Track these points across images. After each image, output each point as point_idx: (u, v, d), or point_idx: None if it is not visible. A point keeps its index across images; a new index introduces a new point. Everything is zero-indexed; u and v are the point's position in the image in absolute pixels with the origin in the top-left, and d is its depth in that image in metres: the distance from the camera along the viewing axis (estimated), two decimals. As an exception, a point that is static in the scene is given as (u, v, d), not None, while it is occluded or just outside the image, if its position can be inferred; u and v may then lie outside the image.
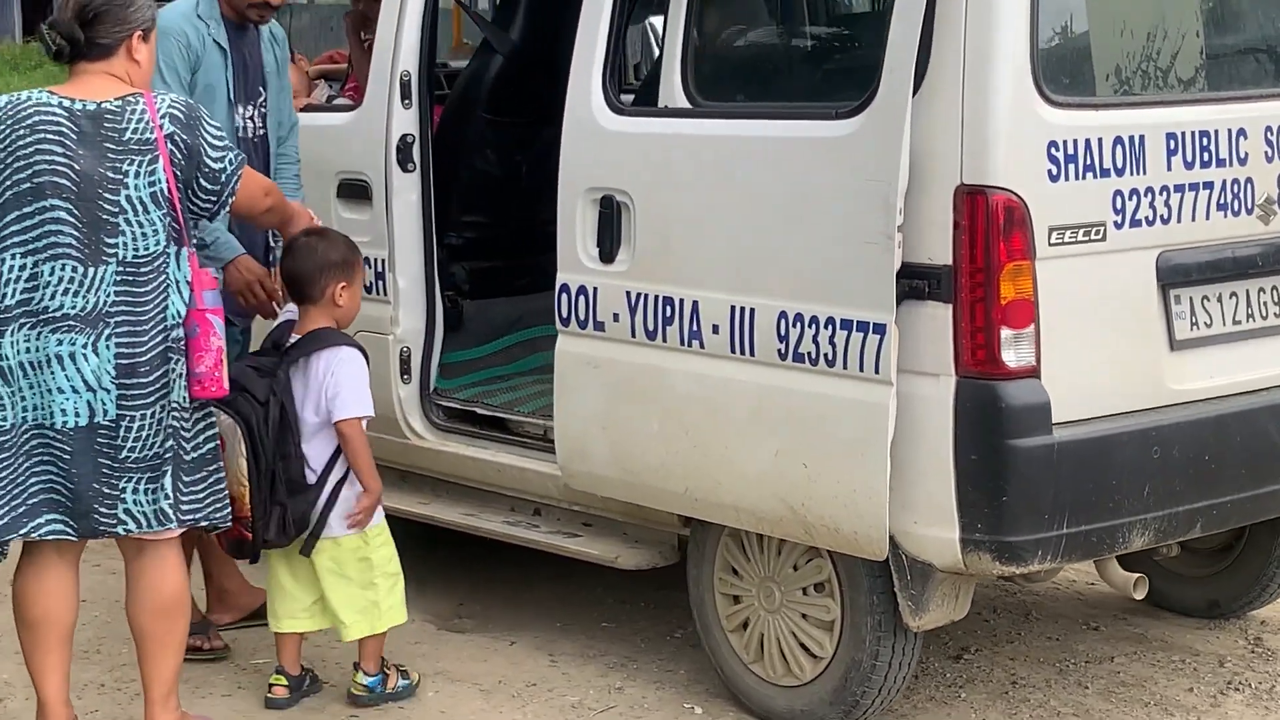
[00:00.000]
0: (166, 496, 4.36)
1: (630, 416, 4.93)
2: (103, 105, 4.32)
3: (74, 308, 4.27)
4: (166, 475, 4.36)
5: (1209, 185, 4.58)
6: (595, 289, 4.98)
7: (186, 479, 4.42)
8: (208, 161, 4.42)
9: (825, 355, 4.44)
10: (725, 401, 4.69)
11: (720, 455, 4.71)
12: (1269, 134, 4.68)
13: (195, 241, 4.54)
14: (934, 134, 4.28)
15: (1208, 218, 4.59)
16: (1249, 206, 4.66)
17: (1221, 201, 4.60)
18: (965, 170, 4.26)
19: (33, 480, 4.32)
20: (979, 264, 4.27)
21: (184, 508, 4.41)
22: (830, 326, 4.42)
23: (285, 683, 5.07)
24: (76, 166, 4.28)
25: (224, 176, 4.45)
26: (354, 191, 5.77)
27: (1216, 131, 4.58)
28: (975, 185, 4.25)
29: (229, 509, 4.55)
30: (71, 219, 4.28)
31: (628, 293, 4.89)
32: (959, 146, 4.26)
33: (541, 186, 5.83)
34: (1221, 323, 4.69)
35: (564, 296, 5.07)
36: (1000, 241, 4.25)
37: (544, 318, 6.56)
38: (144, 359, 4.31)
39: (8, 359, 4.27)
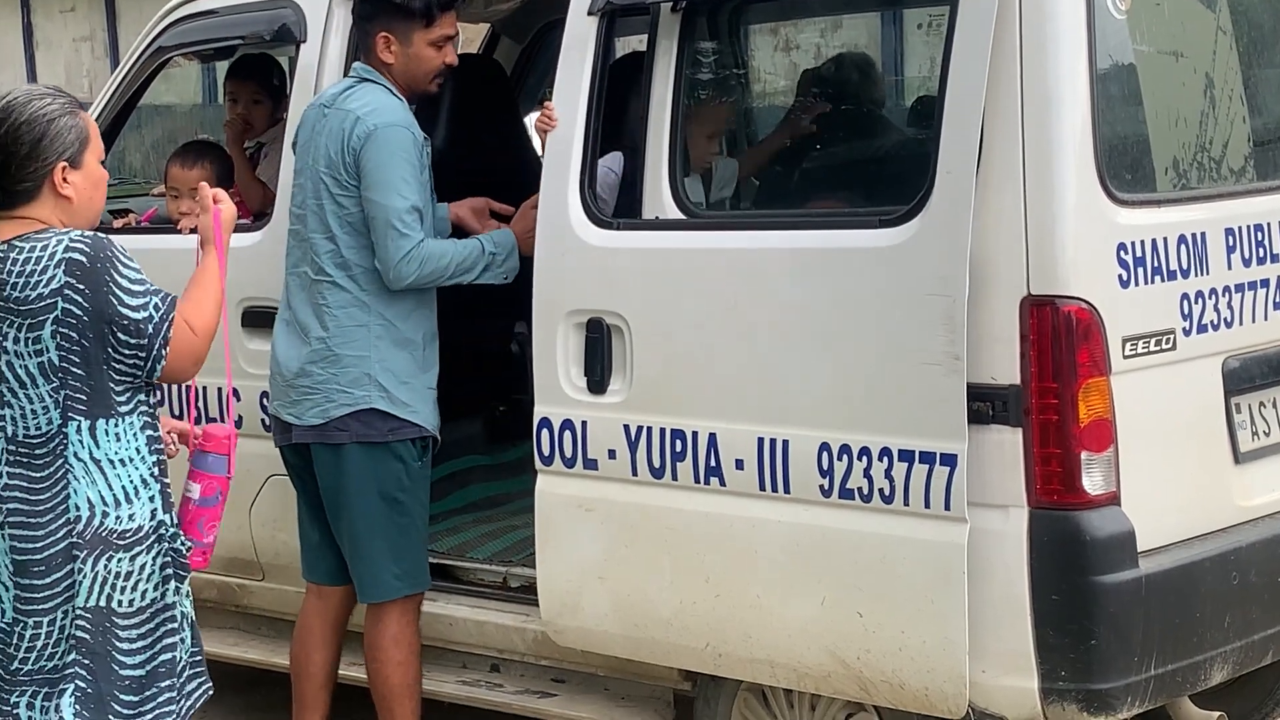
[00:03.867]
0: None
1: (635, 565, 4.40)
2: None
3: None
4: (65, 695, 3.61)
5: (1265, 283, 4.25)
6: (584, 423, 4.45)
7: (126, 699, 3.66)
8: (124, 313, 3.58)
9: (881, 490, 3.97)
10: (755, 545, 4.19)
11: (751, 605, 4.21)
12: (1314, 225, 4.37)
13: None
14: (991, 239, 3.86)
15: (1266, 318, 4.26)
16: (1301, 303, 4.34)
17: (1278, 300, 4.27)
18: (1032, 279, 3.84)
19: None
20: (1050, 382, 3.85)
21: None
22: (886, 458, 3.96)
23: None
24: None
25: (149, 329, 3.60)
26: (263, 320, 5.15)
27: (1269, 224, 4.26)
28: (1044, 295, 3.84)
29: None
30: None
31: (626, 426, 4.37)
32: (1023, 252, 3.85)
33: (469, 304, 5.29)
34: (1279, 430, 4.35)
35: (545, 432, 4.53)
36: (1074, 356, 3.84)
37: (467, 448, 6.07)
38: (39, 556, 3.62)
39: None
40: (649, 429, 4.34)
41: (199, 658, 3.84)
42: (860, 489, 4.01)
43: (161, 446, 3.78)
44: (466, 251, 4.68)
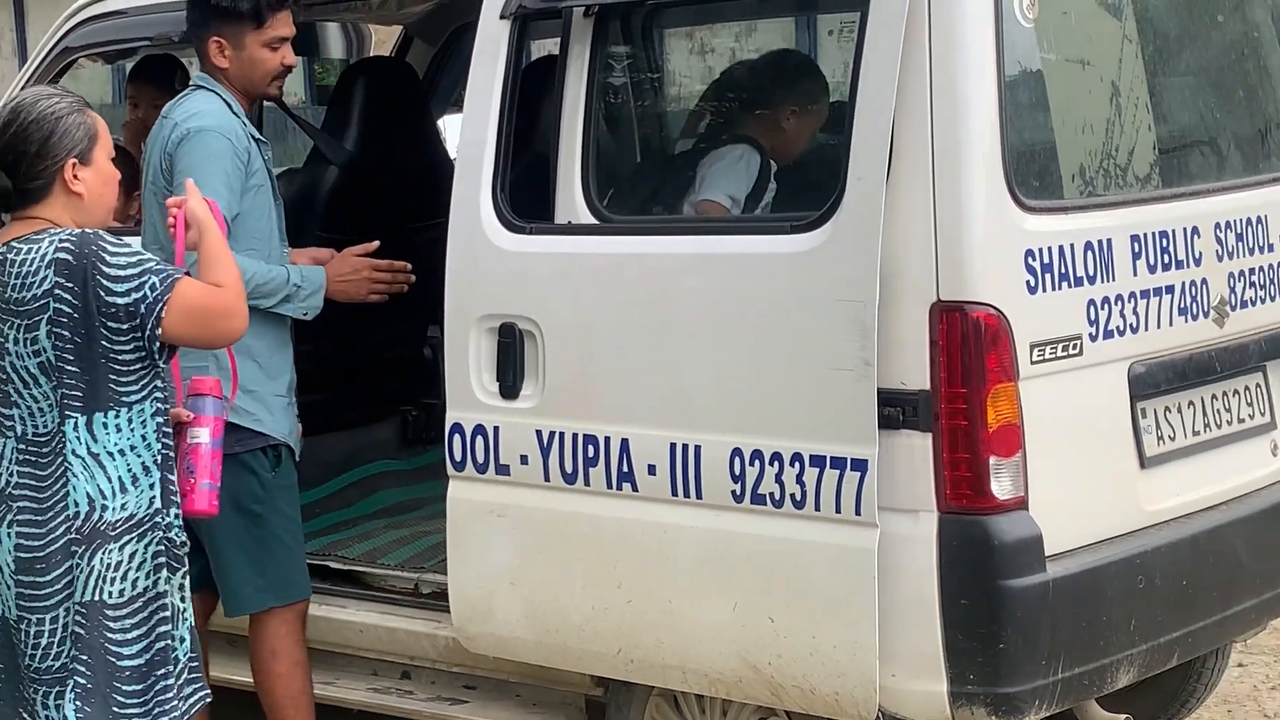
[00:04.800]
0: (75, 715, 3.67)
1: (547, 571, 4.39)
2: None
3: None
4: (68, 693, 3.66)
5: (1170, 289, 4.29)
6: (496, 428, 4.43)
7: (128, 689, 3.70)
8: (112, 301, 3.62)
9: (793, 496, 3.98)
10: (667, 551, 4.19)
11: (662, 611, 4.20)
12: (1218, 231, 4.43)
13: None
14: (902, 245, 3.88)
15: (1171, 324, 4.29)
16: (1205, 310, 4.39)
17: (1182, 306, 4.32)
18: (941, 285, 3.86)
19: None
20: (959, 387, 3.87)
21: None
22: (797, 464, 3.97)
23: None
24: None
25: (142, 309, 3.62)
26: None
27: (1174, 231, 4.30)
28: (953, 301, 3.86)
29: None
30: None
31: (538, 431, 4.36)
32: (933, 258, 3.86)
33: (379, 309, 5.27)
34: (1184, 435, 4.40)
35: (456, 437, 4.50)
36: (983, 362, 3.86)
37: (378, 452, 6.05)
38: (42, 554, 3.67)
39: None
40: (561, 434, 4.32)
41: (196, 663, 3.87)
42: (772, 494, 4.01)
43: (170, 436, 3.80)
44: (270, 275, 4.56)
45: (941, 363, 3.87)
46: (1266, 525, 4.52)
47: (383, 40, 7.24)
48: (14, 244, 3.68)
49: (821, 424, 3.93)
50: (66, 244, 3.65)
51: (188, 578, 3.85)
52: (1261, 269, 4.56)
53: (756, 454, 4.03)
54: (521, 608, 4.44)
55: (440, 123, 6.65)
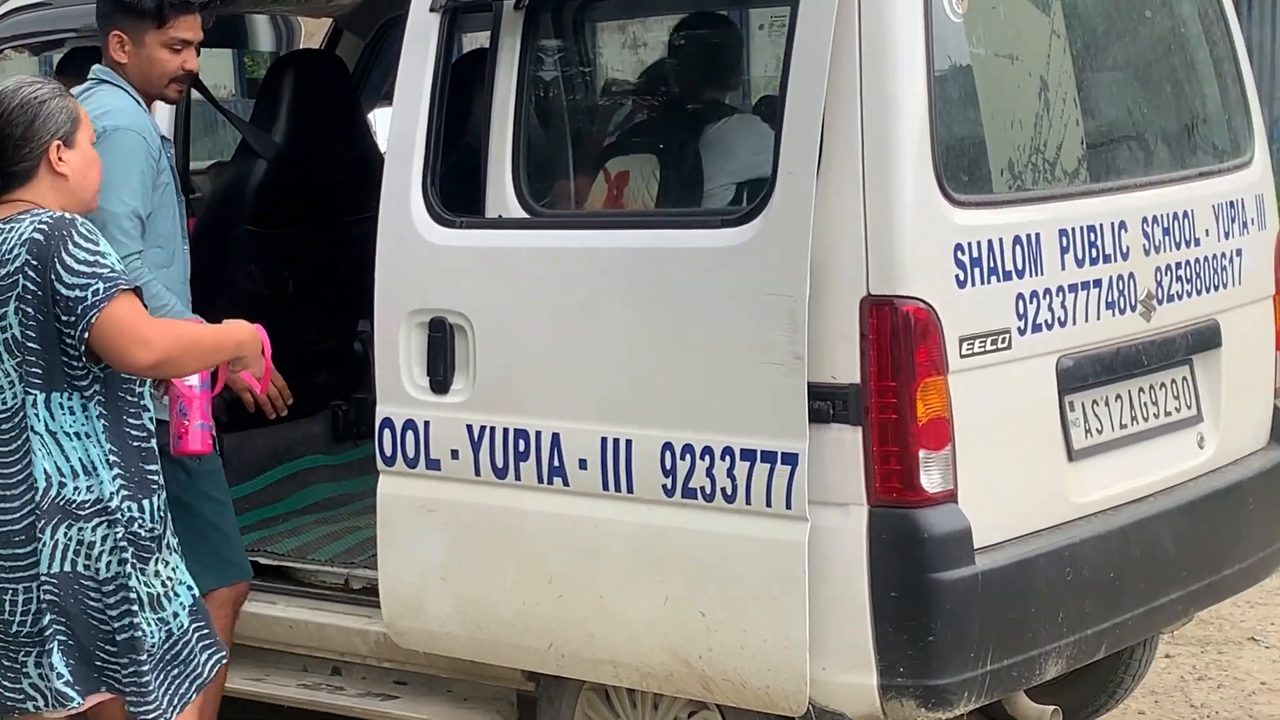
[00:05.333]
0: (59, 675, 3.82)
1: (478, 566, 4.37)
2: None
3: None
4: (55, 652, 3.81)
5: (1098, 283, 4.31)
6: (427, 423, 4.41)
7: (109, 649, 3.86)
8: (60, 290, 3.72)
9: (723, 490, 3.98)
10: (598, 545, 4.18)
11: (593, 606, 4.19)
12: (1145, 225, 4.46)
13: None
14: (832, 239, 3.88)
15: (1099, 318, 4.32)
16: (1133, 304, 4.41)
17: (1110, 300, 4.34)
18: (871, 279, 3.87)
19: None
20: (889, 381, 3.88)
21: (109, 675, 3.88)
22: (728, 458, 3.97)
23: None
24: None
25: (79, 309, 3.72)
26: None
27: (1101, 225, 4.32)
28: (883, 295, 3.87)
29: (152, 713, 3.88)
30: None
31: (469, 426, 4.34)
32: (863, 252, 3.87)
33: (310, 303, 5.23)
34: (1111, 428, 4.43)
35: (386, 432, 4.48)
36: (913, 355, 3.87)
37: (308, 447, 6.01)
38: (17, 527, 3.81)
39: None
40: (492, 429, 4.31)
41: (206, 629, 4.00)
42: (703, 488, 4.01)
43: (133, 437, 3.87)
44: (179, 316, 4.47)
45: (871, 356, 3.88)
46: (1193, 517, 4.56)
47: (312, 33, 7.20)
48: None
49: (752, 418, 3.93)
50: (43, 225, 3.76)
51: (174, 555, 3.96)
52: (1188, 263, 4.59)
53: (687, 448, 4.02)
54: (452, 603, 4.42)
55: (370, 116, 6.62)
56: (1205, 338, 4.67)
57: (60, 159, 3.85)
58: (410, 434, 4.44)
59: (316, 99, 5.73)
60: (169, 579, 3.93)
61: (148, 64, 4.61)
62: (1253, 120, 4.99)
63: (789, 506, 3.89)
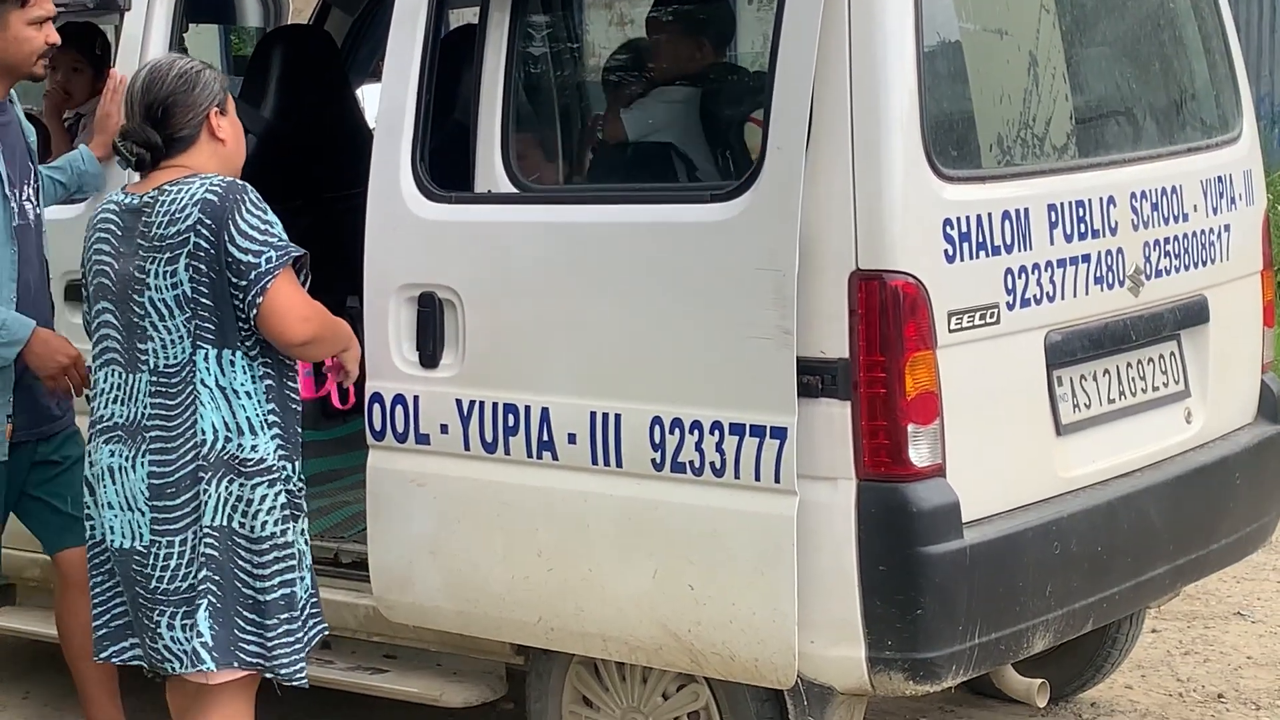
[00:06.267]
0: (199, 635, 3.91)
1: (467, 540, 4.38)
2: (143, 198, 3.96)
3: (121, 417, 3.99)
4: (200, 610, 3.91)
5: (1087, 258, 4.32)
6: (416, 398, 4.42)
7: (249, 616, 3.96)
8: (233, 252, 3.87)
9: (712, 464, 3.99)
10: (587, 519, 4.19)
11: (583, 579, 4.21)
12: (1134, 200, 4.47)
13: None
14: (821, 214, 3.89)
15: (1087, 292, 4.33)
16: (1121, 279, 4.43)
17: (1098, 275, 4.35)
18: (860, 253, 3.88)
19: (115, 602, 4.08)
20: (878, 355, 3.89)
21: (244, 648, 3.95)
22: (717, 432, 3.98)
23: None
24: (116, 266, 3.98)
25: (252, 274, 3.87)
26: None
27: (1090, 200, 4.33)
28: (872, 270, 3.87)
29: (301, 667, 4.03)
30: (116, 323, 4.00)
31: (458, 401, 4.35)
32: (852, 227, 3.88)
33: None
34: (1099, 403, 4.44)
35: (376, 407, 4.49)
36: (901, 330, 3.88)
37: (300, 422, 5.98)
38: (172, 479, 3.93)
39: (90, 469, 4.06)
40: (481, 404, 4.32)
41: (316, 599, 4.11)
42: (692, 462, 4.02)
43: (291, 399, 4.03)
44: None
45: (860, 331, 3.89)
46: (1180, 492, 4.57)
47: (300, 9, 7.18)
48: (165, 187, 3.92)
49: (741, 392, 3.94)
50: (216, 188, 3.90)
51: (307, 520, 4.09)
52: (1176, 238, 4.60)
53: (676, 422, 4.03)
54: (442, 577, 4.43)
55: (359, 92, 6.61)
56: (1193, 313, 4.69)
57: (219, 125, 4.02)
58: (400, 408, 4.45)
59: (305, 74, 5.73)
60: (306, 541, 4.07)
61: (15, 44, 4.63)
62: (1241, 96, 5.01)
63: (778, 481, 3.90)
